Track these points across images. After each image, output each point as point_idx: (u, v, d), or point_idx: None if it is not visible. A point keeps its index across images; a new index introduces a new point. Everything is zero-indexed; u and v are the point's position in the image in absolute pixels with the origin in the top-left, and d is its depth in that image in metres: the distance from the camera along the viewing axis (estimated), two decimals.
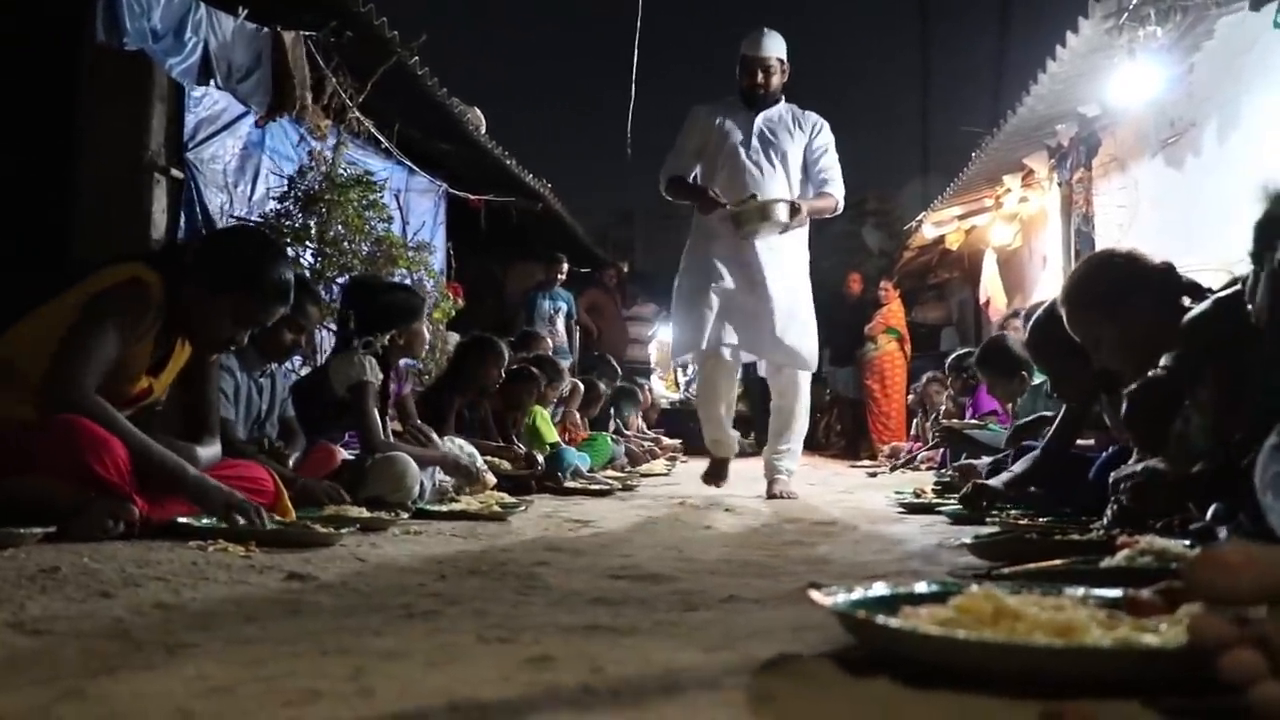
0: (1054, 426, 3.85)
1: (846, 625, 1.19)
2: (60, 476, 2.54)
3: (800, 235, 5.52)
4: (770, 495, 5.41)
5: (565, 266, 11.08)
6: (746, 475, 7.46)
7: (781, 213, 5.17)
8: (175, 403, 3.18)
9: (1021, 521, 3.38)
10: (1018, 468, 3.92)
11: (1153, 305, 2.96)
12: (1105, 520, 2.84)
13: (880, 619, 1.11)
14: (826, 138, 5.54)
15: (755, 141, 5.43)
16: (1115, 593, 1.32)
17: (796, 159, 5.47)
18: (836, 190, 5.46)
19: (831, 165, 5.51)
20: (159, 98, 5.78)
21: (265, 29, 5.78)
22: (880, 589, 1.35)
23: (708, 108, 5.60)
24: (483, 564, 2.45)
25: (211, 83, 5.49)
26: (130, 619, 1.59)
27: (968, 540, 2.63)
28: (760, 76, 5.43)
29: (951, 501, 4.47)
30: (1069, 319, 3.17)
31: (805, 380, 5.62)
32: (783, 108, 5.53)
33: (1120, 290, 3.02)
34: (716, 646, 1.30)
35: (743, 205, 5.23)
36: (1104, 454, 3.57)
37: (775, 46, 5.46)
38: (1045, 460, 3.78)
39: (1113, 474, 2.90)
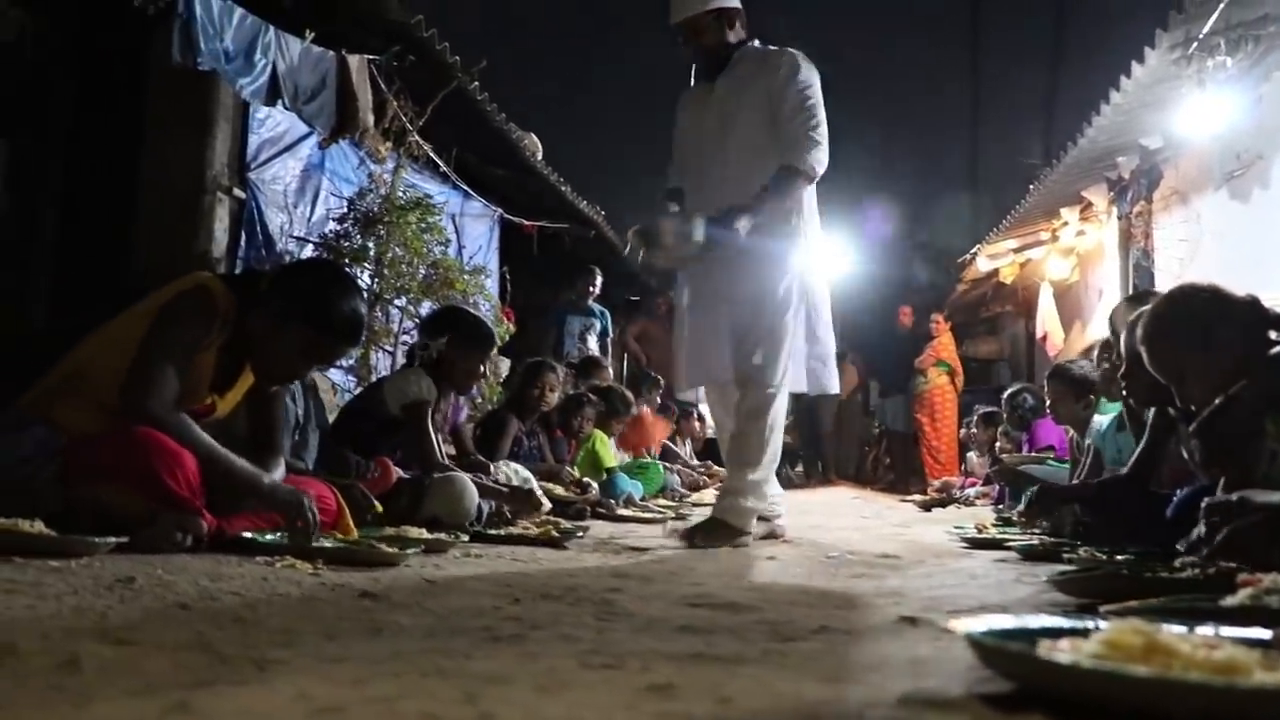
0: (1137, 451, 3.74)
1: (992, 658, 1.12)
2: (131, 488, 2.53)
3: (784, 229, 4.14)
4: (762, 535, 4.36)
5: (599, 280, 10.13)
6: (797, 507, 7.37)
7: (695, 231, 3.85)
8: (241, 423, 3.17)
9: (1100, 558, 3.27)
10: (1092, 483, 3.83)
11: (1240, 339, 2.88)
12: (1189, 542, 2.74)
13: (1047, 654, 1.04)
14: (789, 74, 4.10)
15: (711, 119, 4.24)
16: (1254, 632, 1.24)
17: (760, 123, 4.13)
18: (801, 156, 4.01)
19: (796, 118, 4.05)
20: (224, 118, 5.86)
21: (331, 52, 5.84)
22: (1010, 621, 1.28)
23: (684, 92, 4.48)
24: (553, 588, 2.39)
25: (279, 103, 5.55)
26: (211, 632, 1.55)
27: (1055, 576, 2.54)
28: (693, 42, 4.21)
29: (1018, 536, 4.36)
30: (1150, 356, 3.08)
31: (760, 398, 4.10)
32: (743, 60, 4.22)
33: (1206, 324, 2.93)
34: (837, 678, 1.23)
35: (640, 230, 3.97)
36: (1183, 491, 3.47)
37: (698, 1, 4.14)
38: (1129, 481, 3.67)
39: (1206, 500, 2.81)
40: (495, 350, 4.58)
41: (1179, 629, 1.23)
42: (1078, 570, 2.72)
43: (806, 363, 4.26)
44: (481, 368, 4.52)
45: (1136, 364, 3.44)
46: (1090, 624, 1.24)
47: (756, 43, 4.28)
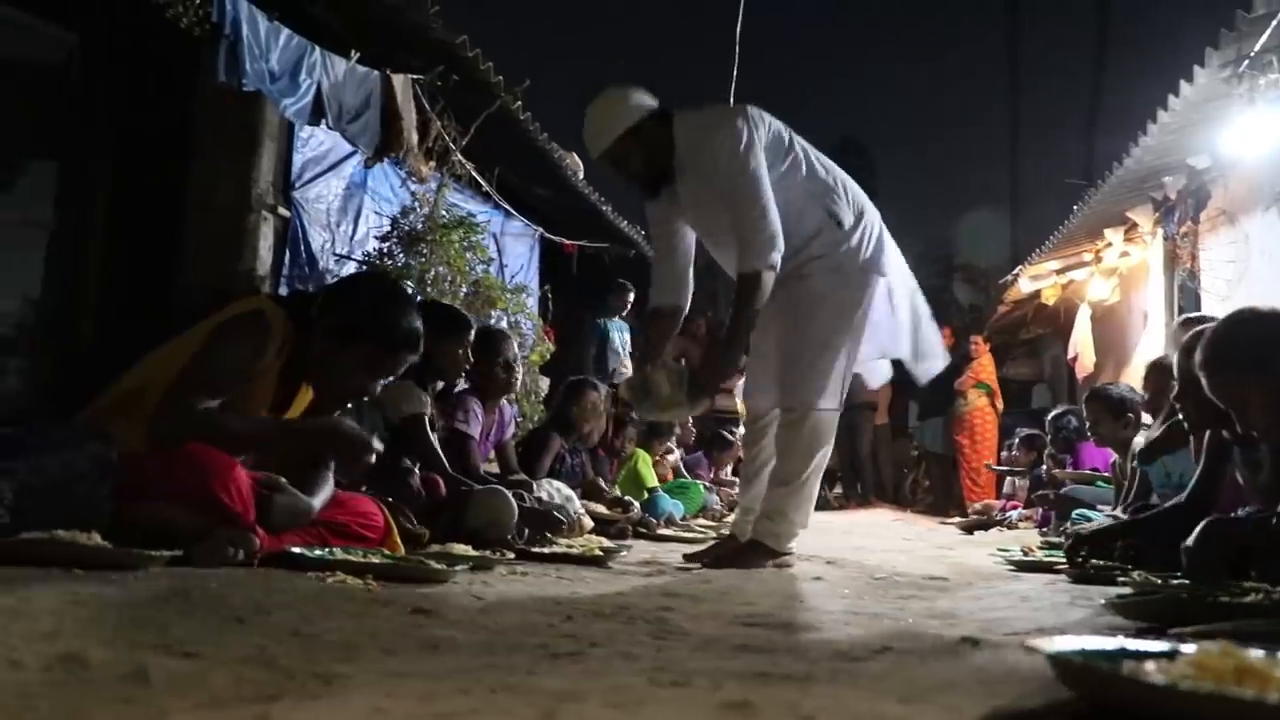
0: (1194, 480, 3.68)
1: (1078, 677, 1.09)
2: (185, 503, 2.55)
3: (831, 261, 3.96)
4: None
5: (632, 296, 10.15)
6: (839, 529, 7.33)
7: (662, 384, 3.80)
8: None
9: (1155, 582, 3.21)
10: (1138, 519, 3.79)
11: None
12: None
13: (1140, 674, 1.02)
14: (713, 165, 3.78)
15: (692, 218, 4.11)
16: None
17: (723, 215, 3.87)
18: (751, 258, 3.74)
19: (734, 216, 3.77)
20: (269, 137, 5.91)
21: (376, 72, 5.89)
22: (1085, 642, 1.25)
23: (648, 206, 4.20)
24: (604, 606, 2.38)
25: (323, 123, 5.59)
26: (271, 646, 1.55)
27: (1113, 599, 2.49)
28: (623, 171, 3.97)
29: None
30: (1210, 382, 3.02)
31: (797, 416, 3.95)
32: (681, 166, 3.91)
33: (1269, 348, 2.89)
34: (912, 698, 1.21)
35: (633, 385, 3.97)
36: (1234, 514, 3.41)
37: (603, 135, 3.88)
38: (1189, 510, 3.62)
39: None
40: (471, 334, 4.52)
41: (1259, 653, 1.19)
42: (1136, 593, 2.66)
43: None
44: (462, 353, 4.45)
45: (1192, 388, 3.39)
46: (1171, 646, 1.21)
47: (679, 108, 3.94)
